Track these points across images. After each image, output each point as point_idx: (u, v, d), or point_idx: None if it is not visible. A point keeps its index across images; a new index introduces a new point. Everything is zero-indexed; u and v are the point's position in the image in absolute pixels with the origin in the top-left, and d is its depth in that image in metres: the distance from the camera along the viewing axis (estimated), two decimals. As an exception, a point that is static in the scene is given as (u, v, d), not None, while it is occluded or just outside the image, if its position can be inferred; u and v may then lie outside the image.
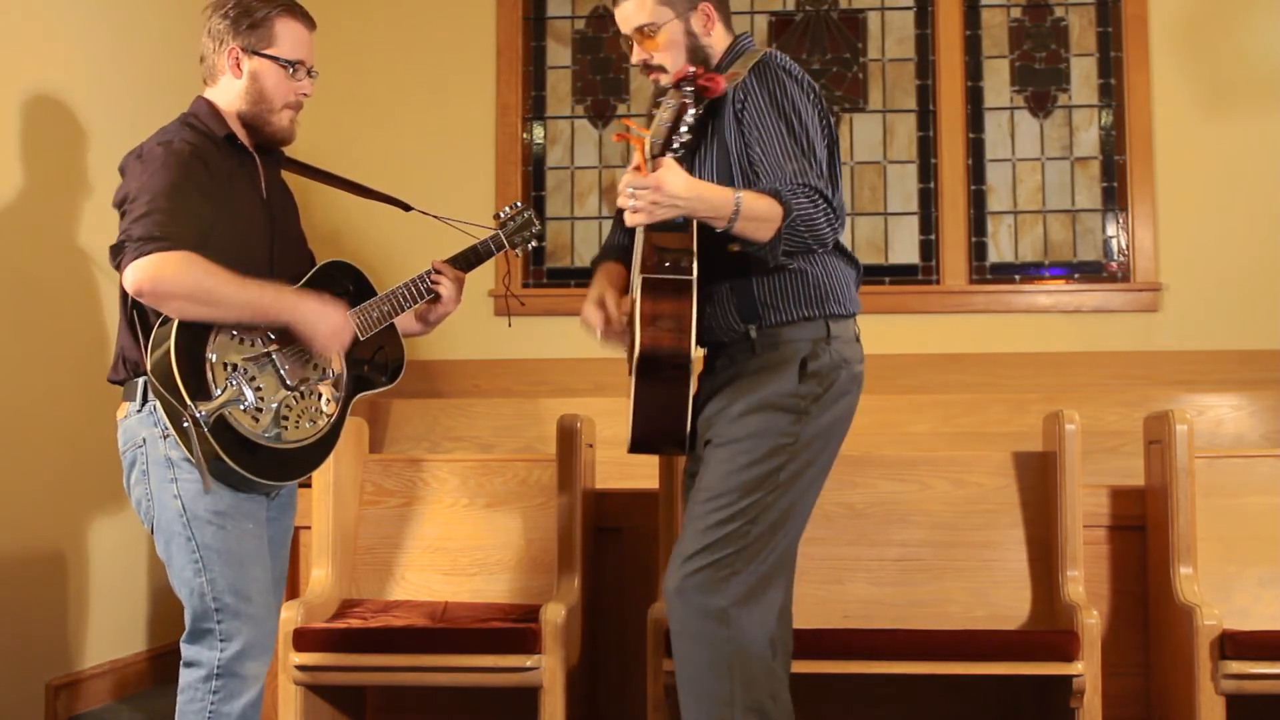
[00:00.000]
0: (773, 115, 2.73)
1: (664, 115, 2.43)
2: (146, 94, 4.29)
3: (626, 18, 2.88)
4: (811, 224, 2.65)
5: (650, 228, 2.65)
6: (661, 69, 2.86)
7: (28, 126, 3.75)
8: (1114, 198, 5.31)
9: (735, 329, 2.85)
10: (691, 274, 2.69)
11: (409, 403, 4.95)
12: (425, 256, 3.09)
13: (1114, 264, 5.30)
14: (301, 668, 3.42)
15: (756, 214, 2.59)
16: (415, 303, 2.97)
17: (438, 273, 3.01)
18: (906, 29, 5.46)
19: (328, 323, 2.73)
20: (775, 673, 2.83)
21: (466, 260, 3.07)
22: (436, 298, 3.01)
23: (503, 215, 3.23)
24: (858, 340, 2.95)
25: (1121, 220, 5.29)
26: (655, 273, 2.68)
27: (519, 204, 3.30)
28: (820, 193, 2.67)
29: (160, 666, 4.30)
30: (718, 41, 2.89)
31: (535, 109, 5.56)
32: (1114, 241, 5.31)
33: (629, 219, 2.57)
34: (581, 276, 5.20)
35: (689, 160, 2.84)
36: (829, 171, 2.80)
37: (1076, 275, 5.32)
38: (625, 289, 3.08)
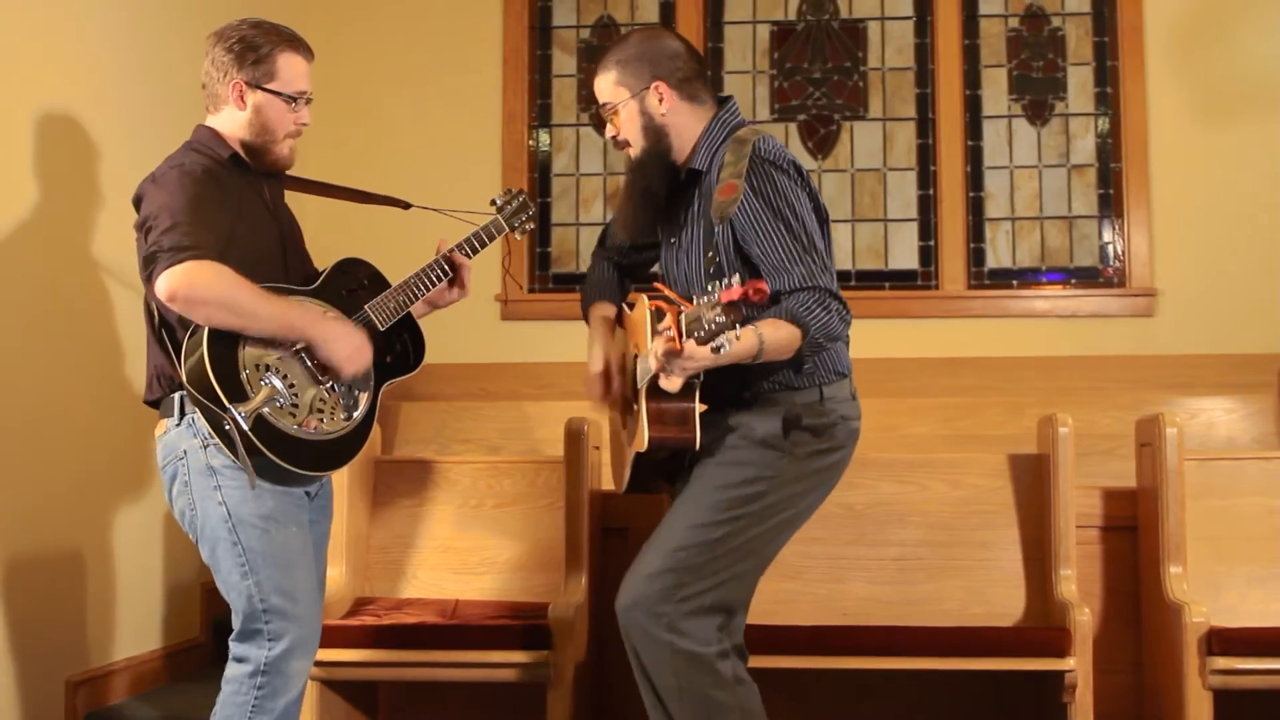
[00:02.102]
0: (768, 216, 2.79)
1: (709, 315, 2.41)
2: (160, 111, 4.32)
3: (597, 95, 3.01)
4: (827, 330, 2.75)
5: (658, 329, 2.67)
6: (627, 143, 2.97)
7: (43, 142, 3.78)
8: (1110, 204, 5.35)
9: (730, 398, 2.91)
10: (698, 376, 2.75)
11: (417, 405, 4.99)
12: (429, 253, 3.15)
13: (1110, 269, 5.35)
14: (317, 663, 3.40)
15: (778, 345, 2.69)
16: (429, 289, 3.04)
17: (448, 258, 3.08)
18: (906, 38, 5.52)
19: (348, 343, 2.81)
20: (721, 668, 2.83)
21: (471, 246, 3.14)
22: (451, 281, 3.08)
23: (499, 201, 3.30)
24: (854, 398, 2.99)
25: (1117, 226, 5.33)
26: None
27: (513, 189, 3.36)
28: (830, 293, 2.75)
29: (175, 664, 4.33)
30: (681, 118, 2.94)
31: (541, 116, 5.63)
32: (1110, 247, 5.35)
33: (663, 383, 2.64)
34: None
35: (679, 241, 2.95)
36: (824, 252, 2.84)
37: (1073, 280, 5.36)
38: (619, 319, 3.17)
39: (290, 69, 2.90)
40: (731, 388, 2.89)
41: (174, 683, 4.26)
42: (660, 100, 2.93)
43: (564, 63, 5.65)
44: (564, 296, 5.42)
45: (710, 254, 2.86)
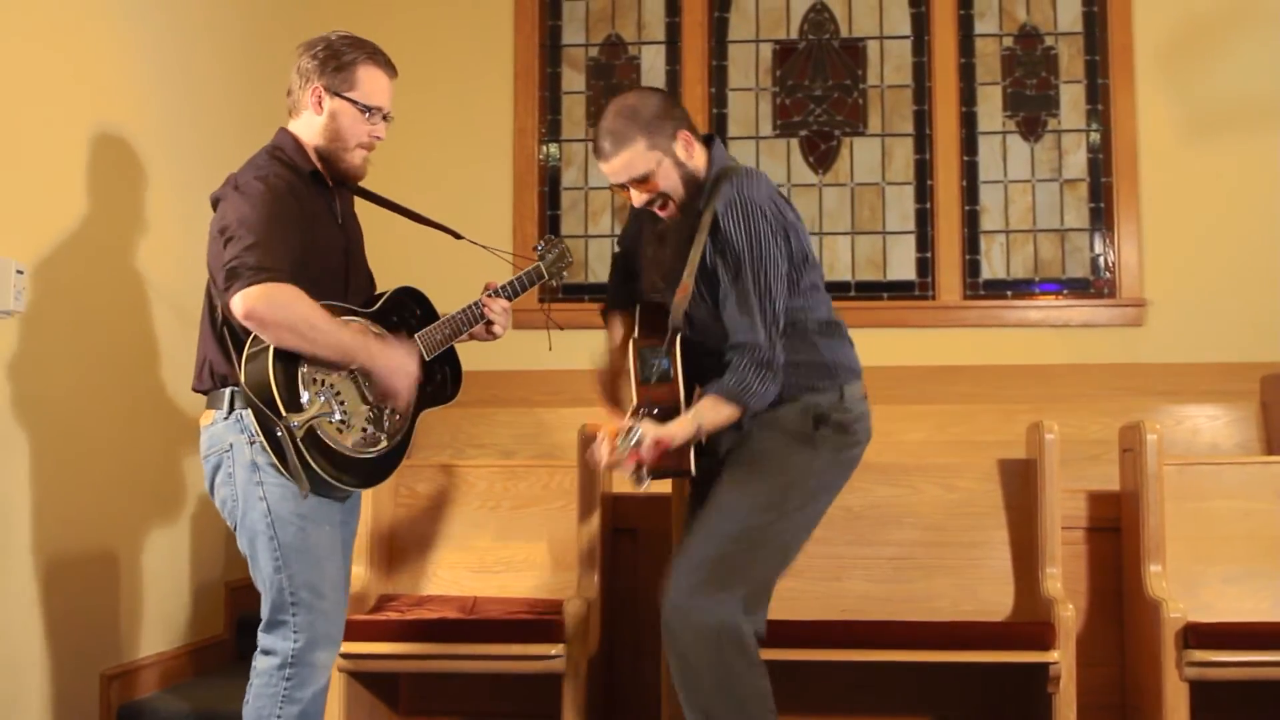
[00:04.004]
0: (738, 263, 2.94)
1: (625, 445, 2.81)
2: (200, 131, 4.41)
3: (618, 172, 3.00)
4: (762, 397, 2.97)
5: (643, 379, 3.01)
6: (666, 198, 3.02)
7: (93, 162, 3.87)
8: (1101, 217, 5.42)
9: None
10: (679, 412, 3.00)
11: (433, 411, 4.97)
12: (464, 274, 3.31)
13: (1101, 280, 5.42)
14: (344, 656, 3.56)
15: (717, 422, 2.96)
16: (472, 326, 3.15)
17: (490, 297, 3.19)
18: (904, 57, 5.62)
19: (403, 375, 2.91)
20: (751, 651, 2.98)
21: (513, 289, 3.24)
22: (490, 322, 3.18)
23: (540, 248, 3.41)
24: (865, 398, 3.16)
25: (1108, 239, 5.41)
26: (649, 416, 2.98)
27: (552, 237, 3.47)
28: (766, 358, 2.92)
29: (200, 659, 4.42)
30: (697, 160, 3.04)
31: (551, 131, 5.72)
32: (1101, 259, 5.42)
33: (612, 469, 2.96)
34: (595, 292, 5.33)
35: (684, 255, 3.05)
36: (778, 307, 2.95)
37: (1065, 291, 5.44)
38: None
39: (371, 81, 2.97)
40: None
41: (199, 677, 4.36)
42: (685, 146, 3.01)
43: (573, 79, 5.74)
44: (573, 306, 5.43)
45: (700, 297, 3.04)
